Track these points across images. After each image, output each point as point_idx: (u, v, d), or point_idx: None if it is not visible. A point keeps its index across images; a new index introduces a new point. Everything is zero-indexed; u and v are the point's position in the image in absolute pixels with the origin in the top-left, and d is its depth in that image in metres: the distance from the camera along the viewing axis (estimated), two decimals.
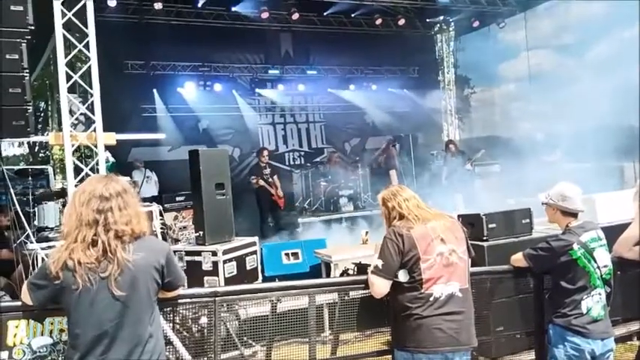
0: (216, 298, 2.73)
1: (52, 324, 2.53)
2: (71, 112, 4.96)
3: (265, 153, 9.78)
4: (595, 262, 2.99)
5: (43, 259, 4.27)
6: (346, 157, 13.40)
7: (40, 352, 2.52)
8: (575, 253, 2.98)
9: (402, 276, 2.67)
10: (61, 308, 2.22)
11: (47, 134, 7.77)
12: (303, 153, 13.62)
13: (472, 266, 3.20)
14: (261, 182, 9.29)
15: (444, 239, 2.69)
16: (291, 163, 13.19)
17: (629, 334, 4.38)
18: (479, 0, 11.47)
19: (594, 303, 2.98)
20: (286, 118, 13.66)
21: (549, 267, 3.11)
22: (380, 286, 2.71)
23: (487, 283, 3.34)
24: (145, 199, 8.58)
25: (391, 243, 2.68)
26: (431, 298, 2.62)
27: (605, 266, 3.05)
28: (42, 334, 2.51)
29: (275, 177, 9.72)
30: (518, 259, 3.23)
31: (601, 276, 3.02)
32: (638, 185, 3.44)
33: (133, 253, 2.16)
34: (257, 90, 13.01)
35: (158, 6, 9.99)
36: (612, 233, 3.46)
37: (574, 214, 3.10)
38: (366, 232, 6.22)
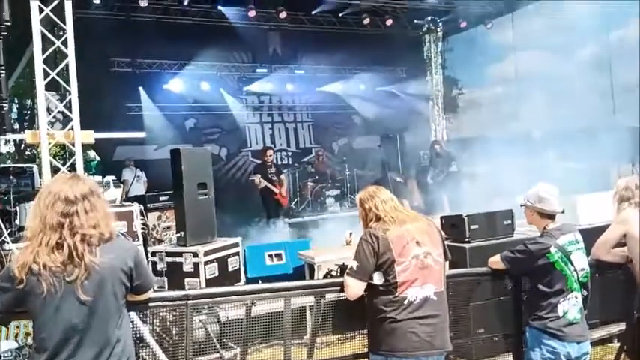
0: (188, 302, 2.68)
1: (17, 327, 2.47)
2: (49, 110, 4.87)
3: (269, 153, 9.58)
4: (572, 265, 2.98)
5: None
6: (334, 157, 13.37)
7: (5, 356, 2.46)
8: (553, 256, 2.97)
9: (377, 278, 2.65)
10: (27, 311, 2.17)
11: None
12: (290, 153, 13.58)
13: (452, 268, 3.19)
14: (264, 183, 9.08)
15: (419, 242, 2.68)
16: (279, 162, 13.13)
17: (608, 337, 4.39)
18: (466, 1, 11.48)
19: (571, 306, 2.97)
20: (274, 118, 13.61)
21: (526, 270, 3.09)
22: (354, 288, 2.69)
23: (465, 285, 3.32)
24: (131, 199, 8.51)
25: (366, 244, 2.67)
26: (405, 302, 2.60)
27: (582, 269, 3.04)
28: (7, 338, 2.46)
29: (282, 176, 9.58)
30: (495, 261, 3.22)
31: (578, 279, 3.01)
32: (616, 187, 3.43)
33: (100, 256, 2.12)
34: (245, 89, 12.94)
35: (143, 3, 9.87)
36: (594, 235, 3.46)
37: (551, 216, 3.08)
38: (350, 233, 6.16)
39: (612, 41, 11.25)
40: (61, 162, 5.30)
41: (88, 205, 2.16)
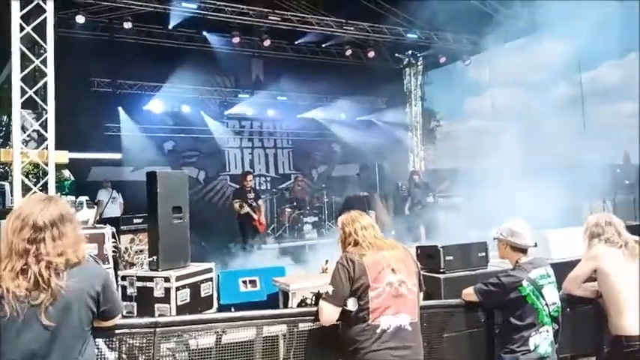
0: (157, 329, 2.60)
1: None
2: (24, 129, 4.78)
3: (249, 178, 9.49)
4: (543, 299, 3.01)
5: None
6: (313, 184, 13.40)
7: None
8: (524, 290, 2.99)
9: (351, 304, 2.63)
10: None
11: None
12: (269, 178, 13.57)
13: (426, 299, 3.18)
14: (246, 209, 8.96)
15: (395, 269, 2.67)
16: (257, 188, 13.10)
17: None
18: (446, 37, 11.82)
19: (542, 340, 2.98)
20: (254, 143, 13.65)
21: (499, 303, 3.11)
22: (328, 313, 2.67)
23: (439, 316, 3.31)
24: (105, 220, 8.32)
25: (342, 269, 2.67)
26: (378, 330, 2.57)
27: (554, 303, 3.07)
28: None
29: (259, 202, 9.48)
30: (469, 293, 3.23)
31: (549, 313, 3.03)
32: (587, 223, 3.49)
33: (67, 279, 2.08)
34: (226, 113, 12.97)
35: (127, 25, 9.91)
36: (565, 269, 3.50)
37: (523, 250, 3.12)
38: (327, 261, 6.11)
39: (584, 82, 11.68)
40: (34, 180, 5.16)
41: (56, 233, 2.13)
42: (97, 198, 10.23)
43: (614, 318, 3.14)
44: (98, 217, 9.60)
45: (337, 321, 2.74)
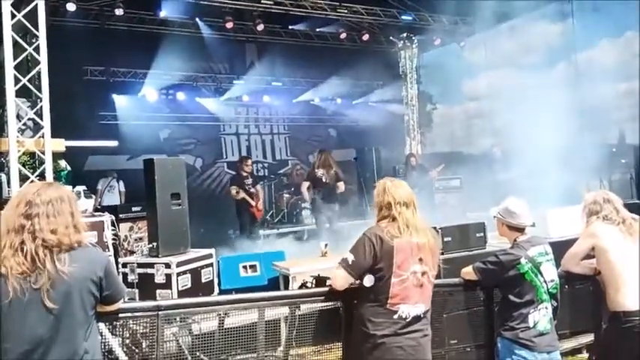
0: (160, 312, 2.62)
1: None
2: (19, 117, 4.75)
3: (249, 162, 9.29)
4: (542, 276, 3.04)
5: None
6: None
7: None
8: (523, 267, 3.02)
9: (367, 281, 2.61)
10: None
11: None
12: (266, 164, 13.56)
13: None
14: (242, 194, 8.88)
15: (422, 259, 2.64)
16: (255, 174, 13.06)
17: (579, 347, 4.48)
18: (440, 19, 11.73)
19: (541, 317, 3.02)
20: (250, 129, 13.60)
21: (497, 280, 3.14)
22: (341, 280, 2.66)
23: (439, 296, 3.33)
24: (103, 209, 8.32)
25: (369, 243, 2.60)
26: (395, 316, 2.57)
27: (552, 280, 3.10)
28: None
29: (257, 187, 9.33)
30: (468, 272, 3.26)
31: (547, 290, 3.06)
32: (584, 201, 3.51)
33: (68, 265, 2.08)
34: (221, 99, 12.89)
35: (119, 12, 9.78)
36: (564, 247, 3.52)
37: (520, 229, 3.15)
38: (326, 245, 6.15)
39: (581, 62, 11.65)
40: (31, 171, 5.14)
41: (51, 210, 2.13)
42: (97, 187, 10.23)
43: (613, 294, 3.17)
44: (98, 206, 9.60)
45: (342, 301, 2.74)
